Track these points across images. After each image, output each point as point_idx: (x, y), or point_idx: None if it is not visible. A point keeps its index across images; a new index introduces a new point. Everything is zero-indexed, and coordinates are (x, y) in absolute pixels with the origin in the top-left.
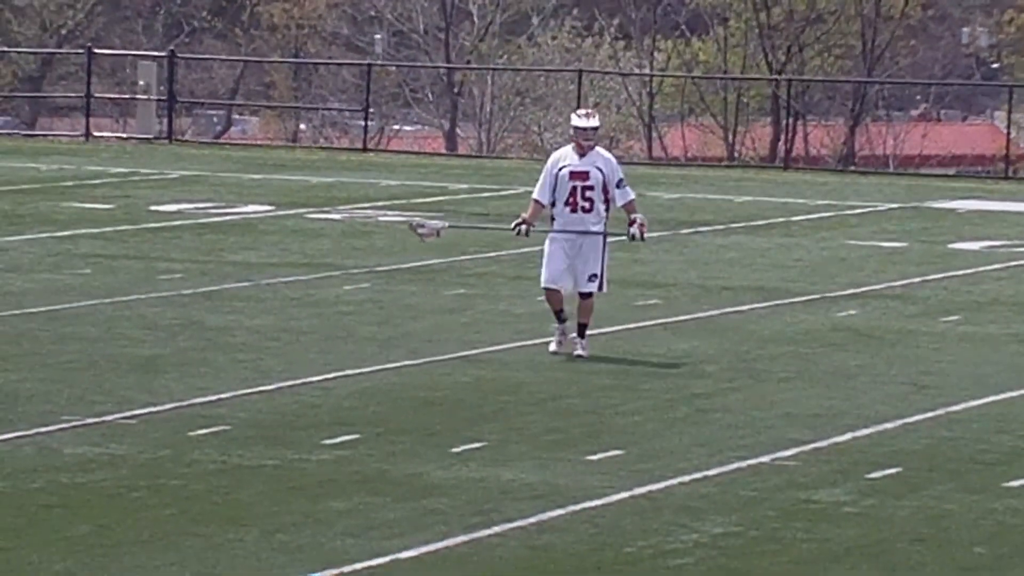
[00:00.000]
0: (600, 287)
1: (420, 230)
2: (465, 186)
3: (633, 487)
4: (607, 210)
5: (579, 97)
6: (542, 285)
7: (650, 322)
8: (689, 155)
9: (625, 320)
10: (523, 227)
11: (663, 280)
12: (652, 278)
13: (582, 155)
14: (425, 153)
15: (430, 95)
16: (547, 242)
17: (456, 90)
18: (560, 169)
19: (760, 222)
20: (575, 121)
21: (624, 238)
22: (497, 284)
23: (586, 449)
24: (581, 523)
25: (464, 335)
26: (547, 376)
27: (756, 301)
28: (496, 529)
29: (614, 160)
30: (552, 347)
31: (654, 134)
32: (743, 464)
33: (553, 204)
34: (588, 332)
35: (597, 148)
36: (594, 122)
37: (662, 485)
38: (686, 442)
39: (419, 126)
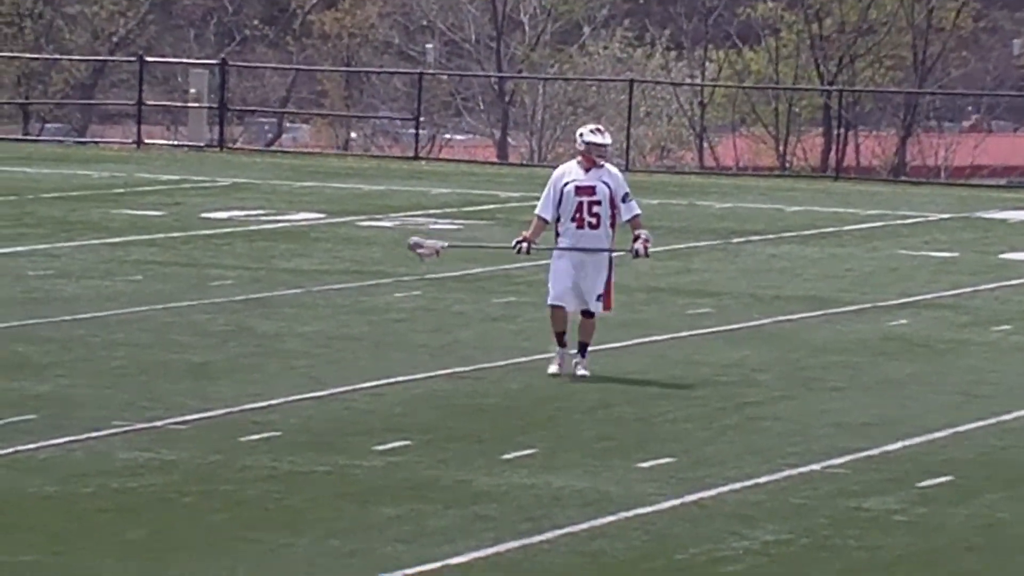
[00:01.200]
0: (606, 307)
1: (419, 250)
2: (516, 194)
3: (684, 494)
4: (614, 226)
5: (630, 107)
6: (548, 303)
7: (702, 331)
8: (740, 165)
9: (677, 328)
10: (524, 245)
11: (715, 289)
12: (704, 287)
13: (587, 170)
14: (476, 162)
15: (481, 104)
16: (553, 258)
17: (507, 99)
18: (565, 184)
19: (811, 232)
20: (589, 137)
21: (628, 254)
22: (546, 292)
23: (637, 456)
24: (632, 530)
25: (514, 343)
26: (597, 384)
27: (807, 310)
28: (547, 536)
29: (620, 175)
30: (552, 368)
31: (705, 144)
32: (794, 472)
33: (559, 220)
34: (591, 349)
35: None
36: (608, 139)
37: (713, 492)
38: (737, 450)
39: (470, 135)
